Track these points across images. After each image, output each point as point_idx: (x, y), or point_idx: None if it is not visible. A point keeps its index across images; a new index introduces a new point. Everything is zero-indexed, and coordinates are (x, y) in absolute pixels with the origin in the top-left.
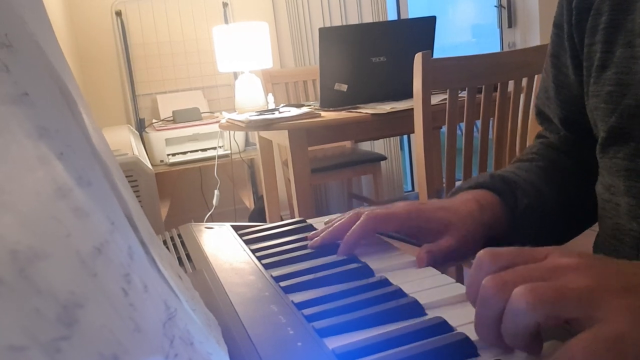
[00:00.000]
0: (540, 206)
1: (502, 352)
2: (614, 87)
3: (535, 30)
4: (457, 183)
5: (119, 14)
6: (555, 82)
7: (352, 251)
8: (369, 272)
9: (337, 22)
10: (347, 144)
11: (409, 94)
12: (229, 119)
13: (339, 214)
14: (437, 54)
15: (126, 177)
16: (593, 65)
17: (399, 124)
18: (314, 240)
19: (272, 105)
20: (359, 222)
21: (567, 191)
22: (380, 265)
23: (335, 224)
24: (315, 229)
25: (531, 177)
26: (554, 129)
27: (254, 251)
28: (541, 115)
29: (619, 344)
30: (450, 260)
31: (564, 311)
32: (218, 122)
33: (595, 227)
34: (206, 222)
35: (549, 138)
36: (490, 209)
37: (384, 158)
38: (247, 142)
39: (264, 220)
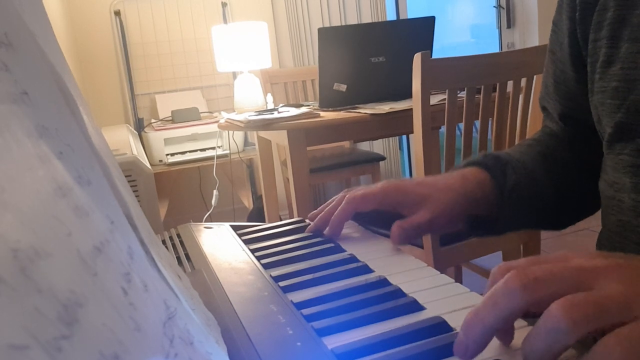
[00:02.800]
0: (531, 186)
1: (503, 351)
2: (620, 82)
3: (534, 31)
4: None
5: (117, 13)
6: (554, 79)
7: (338, 232)
8: (368, 272)
9: (336, 22)
10: (346, 144)
11: (408, 94)
12: (228, 118)
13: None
14: (436, 54)
15: (125, 176)
16: (598, 61)
17: (398, 124)
18: (309, 227)
19: (271, 105)
20: (340, 206)
21: (562, 178)
22: (379, 263)
23: (325, 209)
24: None
25: (525, 158)
26: (555, 123)
27: (253, 251)
28: (544, 111)
29: None
30: (428, 232)
31: (605, 322)
32: (217, 122)
33: (595, 227)
34: (205, 222)
35: (551, 127)
36: (476, 182)
37: (382, 158)
38: (246, 142)
39: (263, 220)
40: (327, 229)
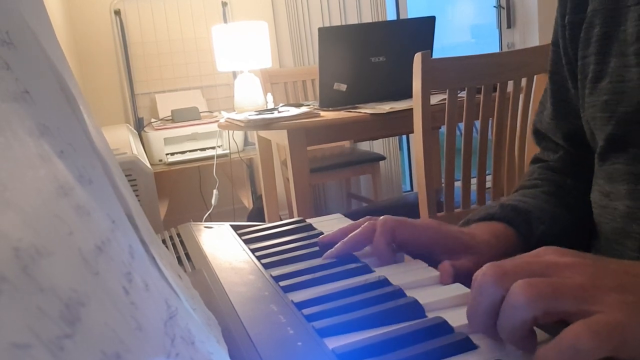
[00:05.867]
0: (555, 231)
1: (503, 352)
2: (609, 95)
3: (534, 31)
4: (457, 183)
5: (117, 13)
6: (555, 98)
7: (390, 260)
8: (369, 272)
9: (336, 22)
10: (346, 143)
11: (408, 94)
12: (228, 118)
13: (352, 222)
14: (436, 54)
15: (125, 176)
16: (587, 77)
17: (398, 124)
18: (329, 252)
19: (271, 105)
20: (377, 232)
21: (575, 212)
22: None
23: (351, 235)
24: (314, 229)
25: (540, 203)
26: (552, 147)
27: (253, 251)
28: (538, 134)
29: (620, 330)
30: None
31: (560, 306)
32: (217, 121)
33: None
34: (205, 221)
35: (547, 161)
36: (505, 240)
37: (382, 158)
38: (246, 142)
39: (263, 220)
40: (378, 261)
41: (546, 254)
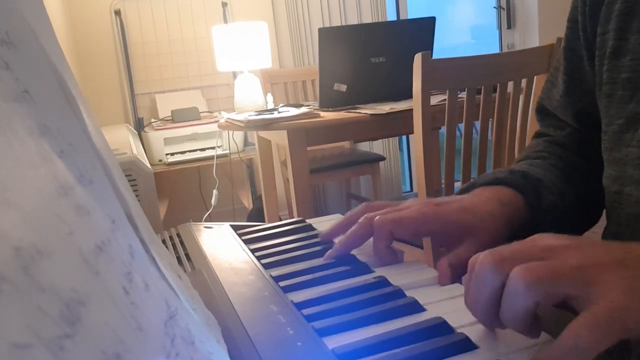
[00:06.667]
0: (563, 203)
1: (503, 352)
2: (632, 73)
3: (534, 32)
4: (457, 184)
5: (118, 13)
6: (569, 75)
7: (391, 260)
8: (369, 272)
9: (336, 22)
10: (346, 144)
11: (408, 95)
12: (228, 118)
13: (347, 214)
14: (436, 55)
15: (125, 176)
16: (606, 53)
17: (398, 125)
18: (328, 252)
19: (271, 105)
20: (374, 236)
21: (581, 188)
22: (379, 263)
23: (348, 233)
24: (314, 229)
25: (548, 174)
26: (558, 124)
27: (253, 251)
28: (543, 112)
29: (618, 316)
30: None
31: (560, 288)
32: (217, 121)
33: (594, 228)
34: (205, 221)
35: (553, 135)
36: (512, 206)
37: (382, 158)
38: (246, 142)
39: (263, 220)
40: (377, 262)
41: (542, 239)
